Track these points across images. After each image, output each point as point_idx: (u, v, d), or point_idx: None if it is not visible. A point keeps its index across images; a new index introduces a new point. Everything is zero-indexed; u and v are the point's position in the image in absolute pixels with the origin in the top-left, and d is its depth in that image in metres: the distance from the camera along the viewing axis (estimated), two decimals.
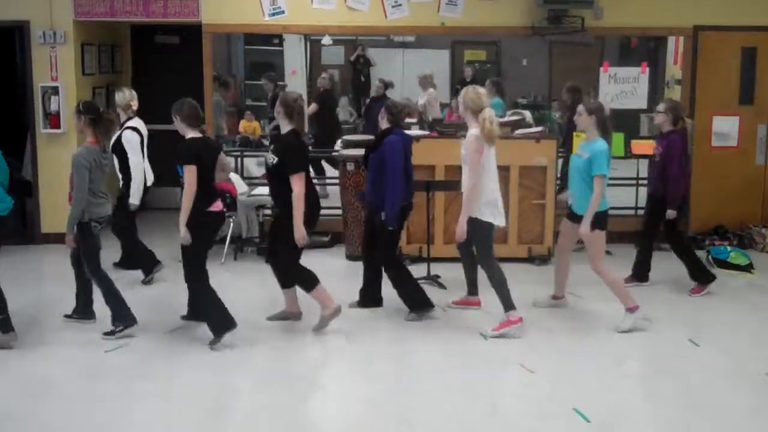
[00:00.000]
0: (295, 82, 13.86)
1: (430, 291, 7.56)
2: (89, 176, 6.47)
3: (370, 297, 7.35)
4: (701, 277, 7.86)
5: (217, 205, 6.54)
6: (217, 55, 10.22)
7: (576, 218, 6.92)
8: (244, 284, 7.97)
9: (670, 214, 7.63)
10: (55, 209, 8.92)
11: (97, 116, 6.66)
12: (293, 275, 6.78)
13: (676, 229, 7.89)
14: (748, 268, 8.57)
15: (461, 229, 6.64)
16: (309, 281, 6.72)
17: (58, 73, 9.26)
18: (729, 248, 8.88)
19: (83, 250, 6.60)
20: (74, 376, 5.98)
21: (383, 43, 15.47)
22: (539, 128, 9.52)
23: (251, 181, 9.64)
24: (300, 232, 6.39)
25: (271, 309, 7.09)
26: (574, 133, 9.49)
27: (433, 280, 7.98)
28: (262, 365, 6.19)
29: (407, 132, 7.53)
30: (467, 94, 6.69)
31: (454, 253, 8.41)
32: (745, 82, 9.58)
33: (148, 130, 8.09)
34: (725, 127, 9.60)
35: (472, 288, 7.41)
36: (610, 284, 6.93)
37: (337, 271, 8.40)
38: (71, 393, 5.69)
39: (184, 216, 6.23)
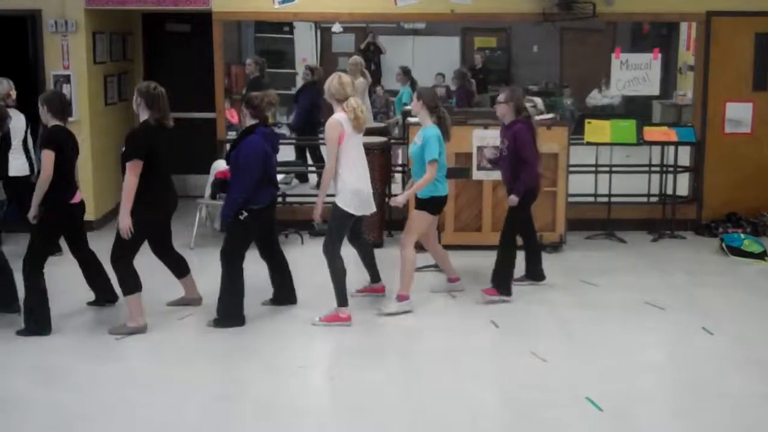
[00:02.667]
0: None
1: (435, 278, 7.55)
2: None
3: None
4: (500, 283, 7.27)
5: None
6: (228, 43, 10.20)
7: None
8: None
9: (512, 200, 7.13)
10: None
11: None
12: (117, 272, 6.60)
13: (513, 220, 7.27)
14: (762, 255, 8.52)
15: (316, 212, 6.77)
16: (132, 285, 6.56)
17: (69, 61, 9.26)
18: (743, 236, 8.82)
19: None
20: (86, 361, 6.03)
21: (393, 31, 15.45)
22: (550, 115, 9.48)
23: None
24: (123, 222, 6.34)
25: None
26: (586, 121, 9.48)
27: (436, 267, 7.93)
28: (269, 352, 6.22)
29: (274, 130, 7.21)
30: (331, 82, 6.72)
31: (464, 240, 8.48)
32: (759, 68, 9.50)
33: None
34: (738, 114, 9.52)
35: (374, 275, 7.40)
36: (403, 262, 6.93)
37: (347, 258, 8.37)
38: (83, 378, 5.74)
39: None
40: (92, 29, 9.46)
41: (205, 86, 9.55)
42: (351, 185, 6.65)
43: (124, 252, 6.44)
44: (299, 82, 13.30)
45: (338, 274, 6.70)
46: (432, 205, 6.94)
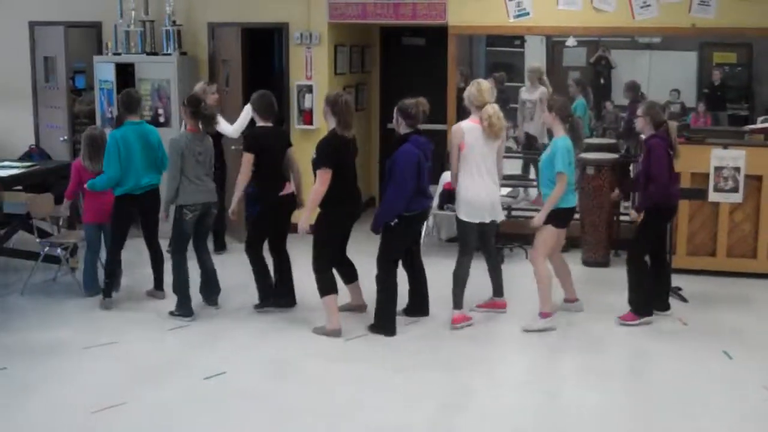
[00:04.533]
0: None
1: (671, 303, 7.35)
2: (181, 161, 6.95)
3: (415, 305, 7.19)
4: (637, 307, 7.03)
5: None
6: (459, 57, 10.37)
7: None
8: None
9: (632, 213, 7.12)
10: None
11: (196, 109, 7.08)
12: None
13: (641, 238, 7.06)
14: None
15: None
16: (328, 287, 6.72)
17: (312, 72, 9.79)
18: None
19: (173, 230, 7.19)
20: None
21: (627, 45, 15.08)
22: None
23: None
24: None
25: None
26: None
27: (674, 292, 7.70)
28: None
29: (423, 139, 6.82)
30: (470, 89, 6.76)
31: (698, 265, 8.17)
32: None
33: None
34: None
35: (497, 289, 7.27)
36: (538, 280, 6.84)
37: (573, 277, 8.31)
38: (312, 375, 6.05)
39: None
40: (334, 42, 9.94)
41: (437, 98, 9.77)
42: (464, 193, 6.77)
43: (322, 257, 6.69)
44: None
45: (456, 279, 6.87)
46: (557, 217, 6.78)
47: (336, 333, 6.69)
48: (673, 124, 6.99)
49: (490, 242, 7.26)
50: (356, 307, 7.22)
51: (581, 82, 11.15)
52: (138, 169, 7.27)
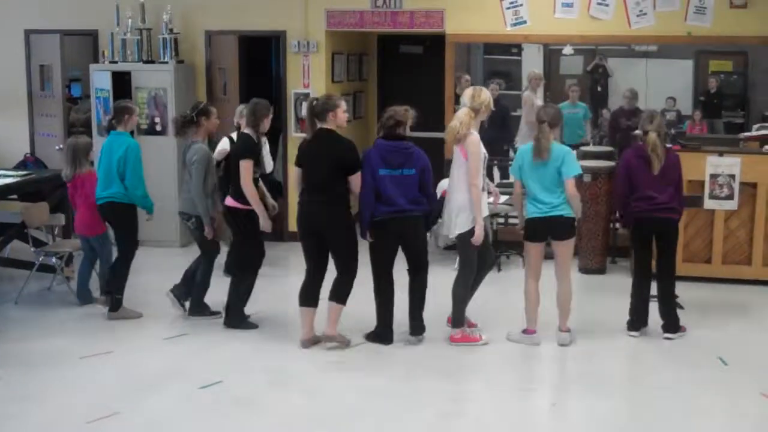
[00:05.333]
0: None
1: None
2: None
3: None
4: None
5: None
6: (457, 64, 10.39)
7: None
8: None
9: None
10: None
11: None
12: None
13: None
14: None
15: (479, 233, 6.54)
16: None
17: (309, 80, 9.80)
18: None
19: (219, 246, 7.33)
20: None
21: (624, 53, 15.12)
22: None
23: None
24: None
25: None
26: None
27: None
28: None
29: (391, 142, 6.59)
30: (485, 94, 6.67)
31: (694, 272, 8.17)
32: None
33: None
34: None
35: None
36: (565, 296, 6.69)
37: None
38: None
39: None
40: (331, 50, 9.95)
41: (435, 106, 9.79)
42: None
43: (355, 262, 6.63)
44: None
45: (461, 296, 6.75)
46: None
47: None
48: (651, 137, 6.65)
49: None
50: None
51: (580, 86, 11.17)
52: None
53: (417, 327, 6.74)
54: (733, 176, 8.08)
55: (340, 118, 6.50)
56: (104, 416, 5.41)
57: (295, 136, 9.82)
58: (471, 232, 6.52)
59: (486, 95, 6.67)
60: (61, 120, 10.56)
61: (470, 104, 6.60)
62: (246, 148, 6.89)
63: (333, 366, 6.36)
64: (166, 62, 9.80)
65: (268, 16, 9.80)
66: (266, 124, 7.02)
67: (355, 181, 6.45)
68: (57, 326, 7.18)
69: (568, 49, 13.89)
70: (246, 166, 6.76)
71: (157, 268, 8.40)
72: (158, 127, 9.66)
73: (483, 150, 6.61)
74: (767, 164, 8.19)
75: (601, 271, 8.77)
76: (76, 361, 6.40)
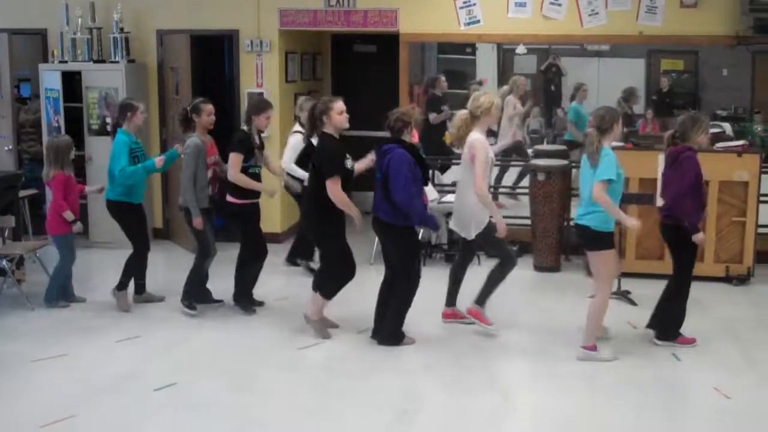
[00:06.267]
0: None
1: (620, 307, 7.42)
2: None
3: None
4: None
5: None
6: (411, 64, 10.41)
7: None
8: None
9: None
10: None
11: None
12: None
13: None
14: None
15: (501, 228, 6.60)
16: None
17: (263, 79, 9.74)
18: None
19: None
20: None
21: (577, 52, 15.23)
22: (741, 142, 9.13)
23: (441, 189, 9.75)
24: None
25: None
26: None
27: (623, 295, 7.80)
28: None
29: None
30: (497, 100, 6.73)
31: (648, 269, 8.27)
32: None
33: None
34: None
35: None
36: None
37: (524, 282, 8.37)
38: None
39: None
40: (285, 49, 9.91)
41: (389, 106, 9.75)
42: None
43: (335, 259, 6.75)
44: None
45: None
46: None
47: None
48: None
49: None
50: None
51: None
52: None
53: (377, 330, 6.76)
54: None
55: (335, 120, 6.51)
56: (58, 420, 5.33)
57: None
58: (489, 228, 6.59)
59: (484, 100, 6.62)
60: (11, 121, 10.36)
61: (469, 108, 6.67)
62: (239, 142, 7.19)
63: (290, 366, 6.33)
64: (117, 62, 9.68)
65: (220, 16, 9.73)
66: (262, 122, 7.27)
67: (329, 185, 6.43)
68: (8, 330, 7.05)
69: (521, 48, 13.97)
70: (235, 159, 7.08)
71: (115, 269, 8.24)
72: (109, 128, 9.52)
73: (490, 153, 6.63)
74: (718, 162, 8.31)
75: (555, 269, 8.83)
76: (29, 364, 6.29)
